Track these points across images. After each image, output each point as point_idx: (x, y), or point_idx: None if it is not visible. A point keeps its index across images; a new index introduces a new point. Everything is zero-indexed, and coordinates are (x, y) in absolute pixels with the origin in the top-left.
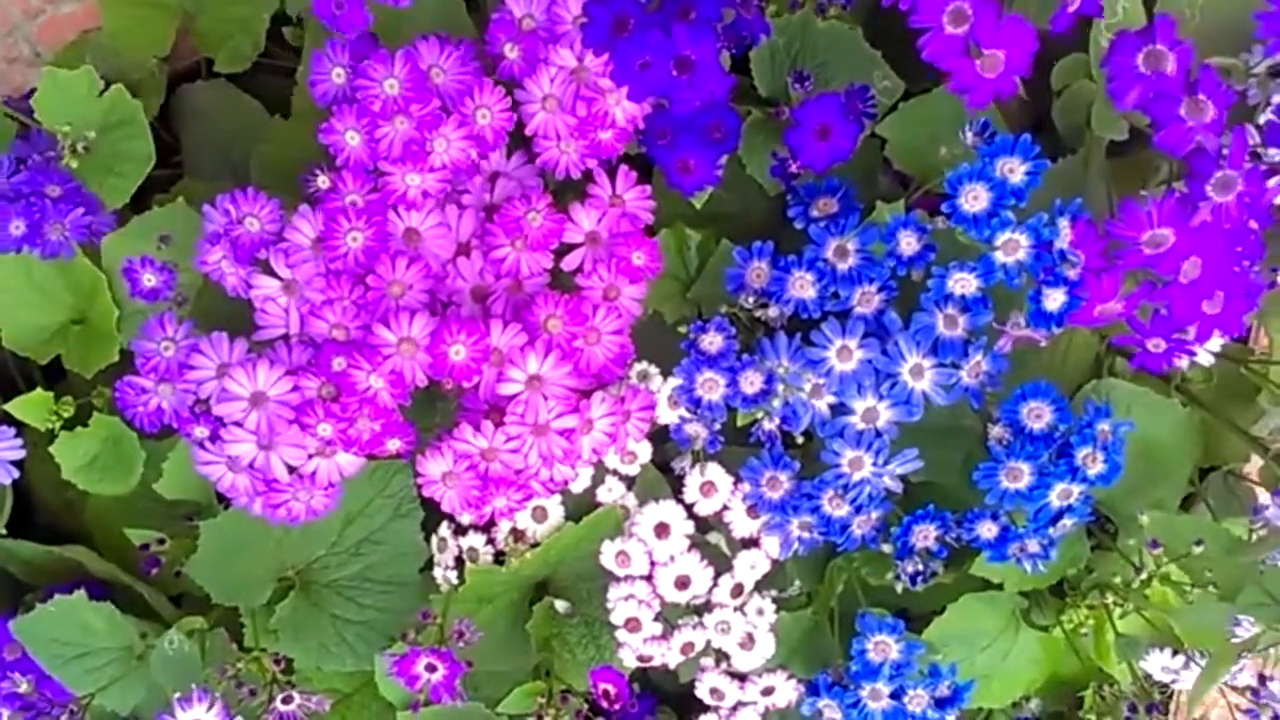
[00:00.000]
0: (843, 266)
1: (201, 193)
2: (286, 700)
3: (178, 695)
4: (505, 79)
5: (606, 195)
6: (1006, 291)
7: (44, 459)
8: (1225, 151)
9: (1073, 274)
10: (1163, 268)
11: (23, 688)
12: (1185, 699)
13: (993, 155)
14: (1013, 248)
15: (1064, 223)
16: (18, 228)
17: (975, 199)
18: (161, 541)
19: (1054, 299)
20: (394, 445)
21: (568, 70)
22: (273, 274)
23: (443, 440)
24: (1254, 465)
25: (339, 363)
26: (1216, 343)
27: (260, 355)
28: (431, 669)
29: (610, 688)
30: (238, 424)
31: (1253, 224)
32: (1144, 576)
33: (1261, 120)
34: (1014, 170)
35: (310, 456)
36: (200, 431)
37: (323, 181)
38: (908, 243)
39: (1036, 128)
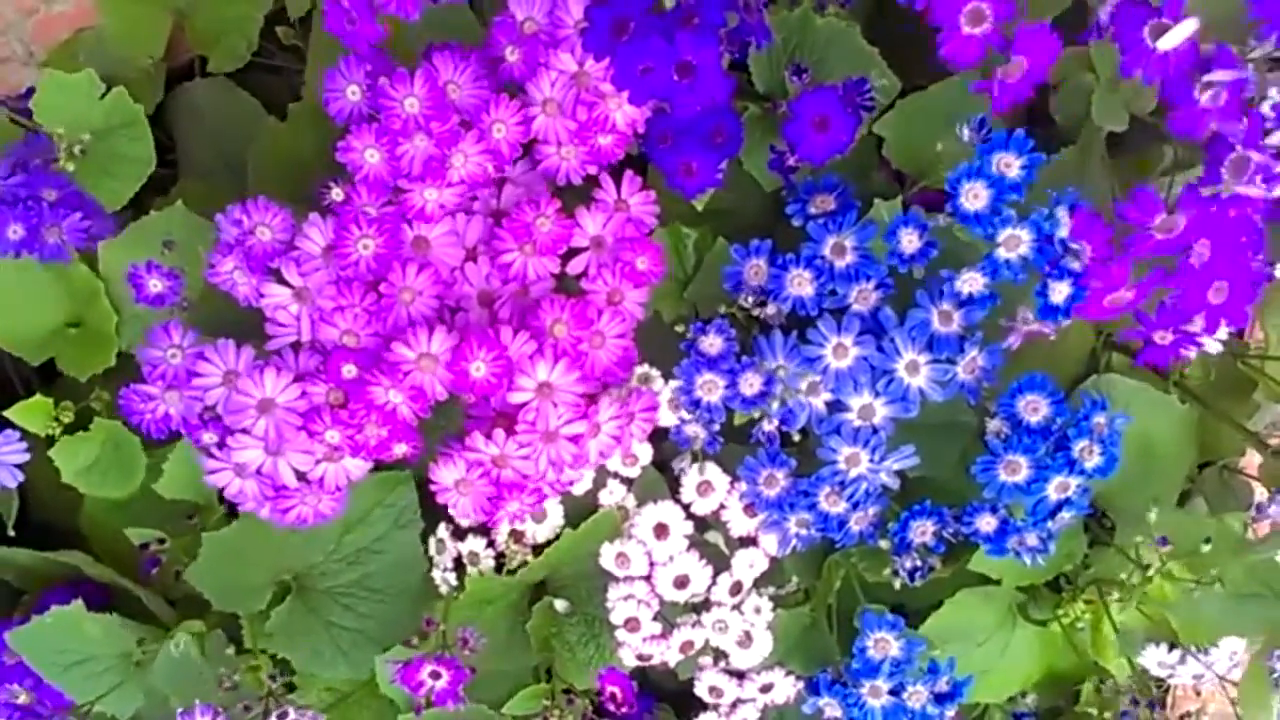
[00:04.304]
0: (840, 264)
1: (198, 193)
2: (281, 716)
3: (180, 709)
4: (505, 82)
5: (612, 200)
6: (1008, 287)
7: (43, 457)
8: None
9: (1076, 265)
10: (1174, 252)
11: (21, 699)
12: (1182, 693)
13: (988, 151)
14: (1014, 243)
15: (1063, 213)
16: (15, 232)
17: (976, 197)
18: (162, 541)
19: (1060, 291)
20: (401, 450)
21: (569, 74)
22: (284, 282)
23: (454, 449)
24: (1249, 459)
25: (349, 369)
26: (1223, 332)
27: (267, 362)
28: (436, 676)
29: (617, 691)
30: (245, 431)
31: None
32: (1150, 574)
33: (1263, 110)
34: (1010, 165)
35: (318, 462)
36: (209, 438)
37: (337, 194)
38: (909, 240)
39: (1031, 120)
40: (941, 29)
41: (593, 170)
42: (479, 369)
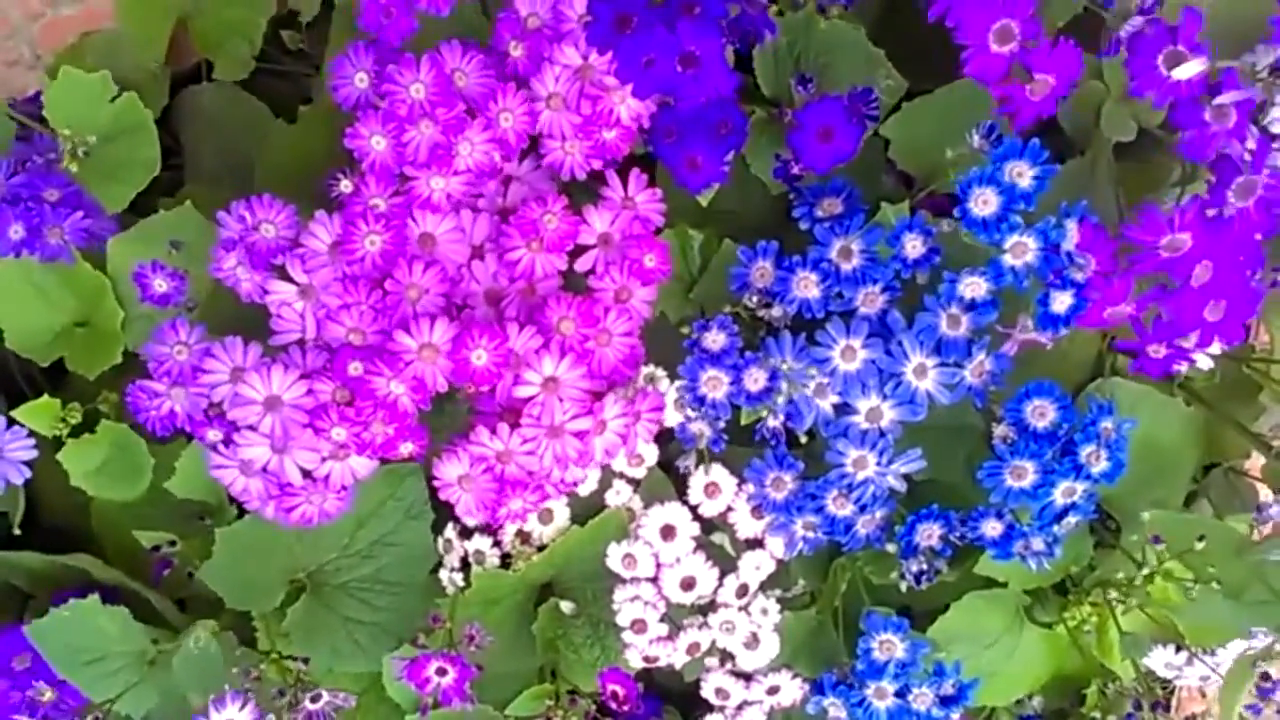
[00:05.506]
0: (847, 267)
1: (204, 196)
2: (315, 699)
3: (212, 696)
4: (510, 77)
5: (619, 197)
6: (1012, 293)
7: (52, 461)
8: (1248, 157)
9: (1080, 277)
10: (1177, 272)
11: (46, 696)
12: (1188, 695)
13: (1002, 159)
14: (1021, 251)
15: (1071, 225)
16: (16, 232)
17: (985, 203)
18: (173, 543)
19: (1061, 301)
20: (407, 448)
21: (573, 69)
22: (288, 279)
23: (458, 444)
24: (1255, 462)
25: (355, 367)
26: (1216, 348)
27: (274, 359)
28: (442, 672)
29: (619, 689)
30: (251, 428)
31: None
32: (1146, 573)
33: (1266, 122)
34: (1022, 174)
35: (324, 460)
36: (214, 435)
37: (346, 185)
38: (913, 245)
39: (1039, 128)
40: (968, 46)
41: (597, 165)
42: (480, 357)
